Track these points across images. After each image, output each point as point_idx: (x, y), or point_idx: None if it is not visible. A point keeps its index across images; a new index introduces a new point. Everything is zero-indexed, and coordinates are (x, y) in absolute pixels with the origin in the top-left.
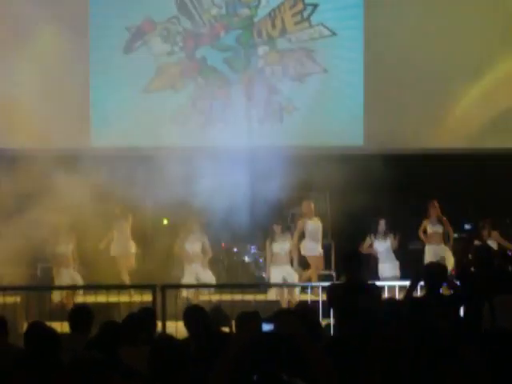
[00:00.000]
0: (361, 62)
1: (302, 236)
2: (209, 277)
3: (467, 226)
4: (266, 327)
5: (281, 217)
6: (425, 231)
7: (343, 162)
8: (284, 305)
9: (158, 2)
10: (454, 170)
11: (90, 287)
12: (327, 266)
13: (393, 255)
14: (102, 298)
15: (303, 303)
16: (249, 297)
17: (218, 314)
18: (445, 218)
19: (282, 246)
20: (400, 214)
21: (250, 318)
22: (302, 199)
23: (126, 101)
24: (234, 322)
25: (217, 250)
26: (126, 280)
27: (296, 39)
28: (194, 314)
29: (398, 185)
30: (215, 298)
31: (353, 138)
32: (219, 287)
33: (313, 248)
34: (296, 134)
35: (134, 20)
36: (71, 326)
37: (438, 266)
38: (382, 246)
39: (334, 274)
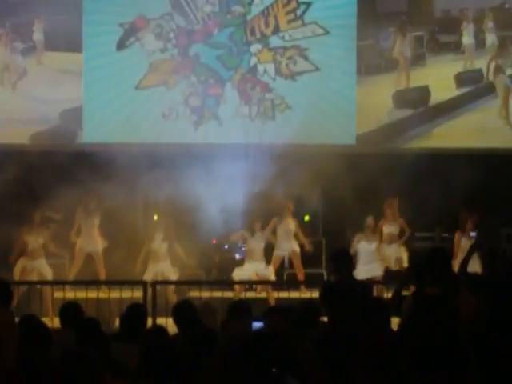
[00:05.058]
0: (354, 61)
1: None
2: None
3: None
4: (257, 325)
5: (264, 214)
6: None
7: (335, 160)
8: (272, 303)
9: None
10: (449, 169)
11: (79, 282)
12: (317, 264)
13: (377, 255)
14: (92, 294)
15: (304, 301)
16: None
17: (207, 310)
18: (402, 219)
19: (258, 243)
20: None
21: (240, 310)
22: (293, 196)
23: (119, 97)
24: (226, 313)
25: (207, 247)
26: (102, 275)
27: (289, 37)
28: (183, 311)
29: (391, 184)
30: (205, 294)
31: (345, 136)
32: (209, 284)
33: (285, 248)
34: (288, 132)
35: (127, 16)
36: (61, 322)
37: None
38: (366, 247)
39: (324, 272)
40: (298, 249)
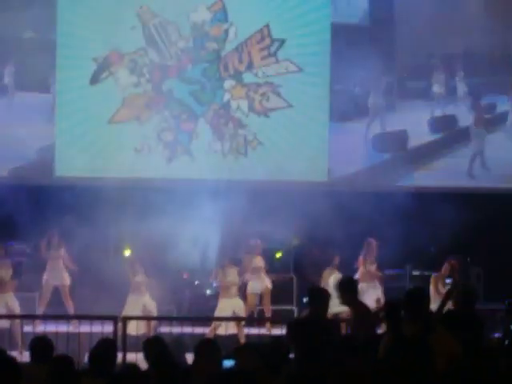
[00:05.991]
0: (327, 99)
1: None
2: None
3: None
4: (228, 363)
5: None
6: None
7: (307, 197)
8: (242, 340)
9: (126, 33)
10: (420, 207)
11: (49, 317)
12: (288, 301)
13: None
14: (62, 328)
15: (274, 338)
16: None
17: (178, 345)
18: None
19: (233, 279)
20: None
21: (209, 348)
22: (265, 233)
23: (92, 131)
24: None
25: (179, 282)
26: (70, 309)
27: (262, 74)
28: (153, 346)
29: (362, 219)
30: (176, 330)
31: (317, 173)
32: (179, 319)
33: (256, 285)
34: (260, 169)
35: (101, 51)
36: (31, 356)
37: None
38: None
39: (295, 308)
40: (269, 286)
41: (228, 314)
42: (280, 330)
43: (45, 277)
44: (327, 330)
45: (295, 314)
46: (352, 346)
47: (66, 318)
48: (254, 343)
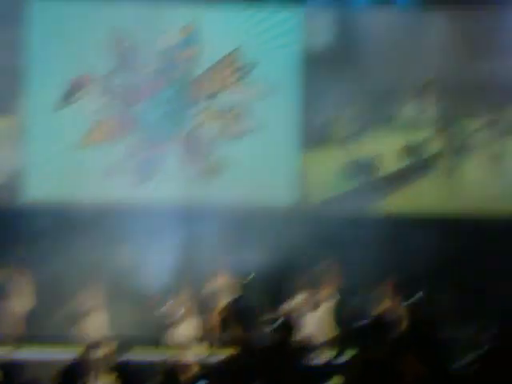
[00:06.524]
0: (298, 122)
1: None
2: None
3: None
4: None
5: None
6: None
7: (277, 221)
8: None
9: (96, 56)
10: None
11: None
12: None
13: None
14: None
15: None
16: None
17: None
18: None
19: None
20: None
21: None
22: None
23: (61, 154)
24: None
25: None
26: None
27: (233, 97)
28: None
29: (329, 245)
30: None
31: (287, 198)
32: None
33: None
34: (231, 192)
35: (71, 74)
36: None
37: None
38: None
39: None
40: None
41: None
42: None
43: (7, 303)
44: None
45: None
46: None
47: (33, 344)
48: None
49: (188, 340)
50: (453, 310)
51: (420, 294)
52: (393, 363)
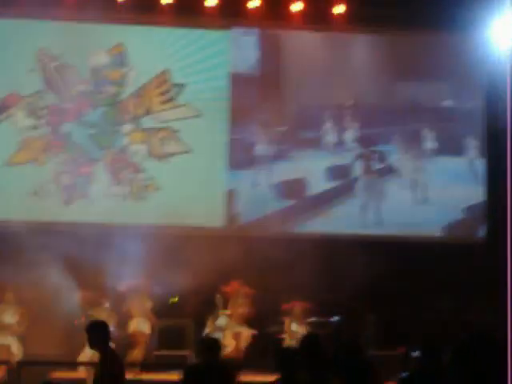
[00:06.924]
0: (225, 144)
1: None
2: None
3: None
4: None
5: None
6: None
7: (204, 242)
8: None
9: (24, 75)
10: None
11: None
12: (183, 345)
13: None
14: None
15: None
16: None
17: None
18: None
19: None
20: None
21: None
22: (162, 277)
23: None
24: None
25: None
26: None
27: (161, 118)
28: None
29: (259, 267)
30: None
31: (214, 219)
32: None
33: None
34: (158, 213)
35: None
36: None
37: None
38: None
39: (189, 354)
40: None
41: None
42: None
43: None
44: (221, 376)
45: (190, 360)
46: None
47: None
48: None
49: None
50: (377, 332)
51: (338, 317)
52: None
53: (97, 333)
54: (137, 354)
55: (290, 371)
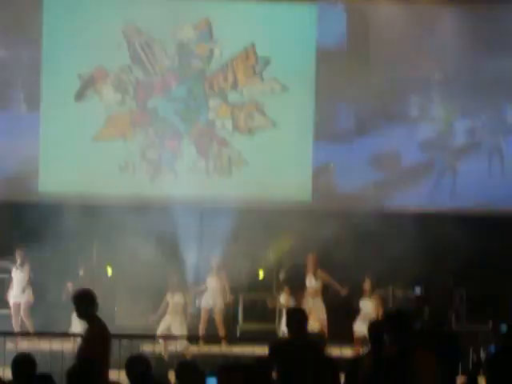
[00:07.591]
0: (311, 118)
1: None
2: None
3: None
4: (211, 382)
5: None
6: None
7: (291, 217)
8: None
9: (112, 50)
10: (402, 228)
11: (32, 334)
12: (271, 319)
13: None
14: (45, 345)
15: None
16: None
17: (160, 365)
18: (320, 271)
19: (178, 297)
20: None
21: (189, 369)
22: (248, 252)
23: (76, 148)
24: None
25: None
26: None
27: (247, 93)
28: (135, 365)
29: (347, 242)
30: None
31: (301, 193)
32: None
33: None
34: (244, 188)
35: (86, 67)
36: (13, 374)
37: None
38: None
39: (277, 328)
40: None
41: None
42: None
43: (10, 295)
44: (309, 350)
45: (279, 334)
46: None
47: (51, 335)
48: (237, 362)
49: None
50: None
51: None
52: (406, 361)
53: (84, 302)
54: (219, 329)
55: (380, 345)
